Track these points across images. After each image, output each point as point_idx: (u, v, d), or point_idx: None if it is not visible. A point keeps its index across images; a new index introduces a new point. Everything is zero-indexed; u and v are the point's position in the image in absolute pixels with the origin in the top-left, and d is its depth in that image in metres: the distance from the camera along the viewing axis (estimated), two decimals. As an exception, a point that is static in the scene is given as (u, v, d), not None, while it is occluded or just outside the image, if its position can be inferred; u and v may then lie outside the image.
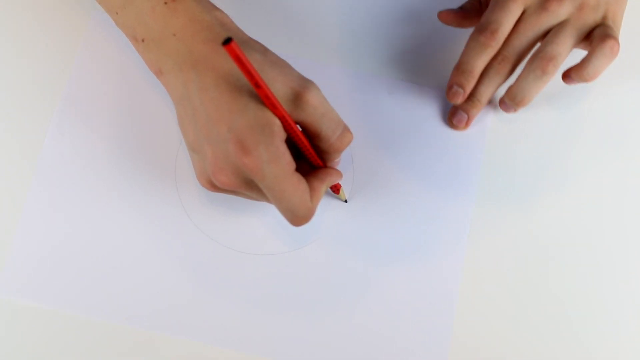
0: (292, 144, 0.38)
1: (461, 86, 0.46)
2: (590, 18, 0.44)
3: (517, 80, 0.46)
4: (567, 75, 0.46)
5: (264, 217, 0.47)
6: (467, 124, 0.48)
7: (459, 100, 0.47)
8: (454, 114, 0.48)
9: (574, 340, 0.46)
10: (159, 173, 0.47)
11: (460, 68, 0.46)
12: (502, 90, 0.48)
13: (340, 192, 0.46)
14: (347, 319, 0.46)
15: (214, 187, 0.39)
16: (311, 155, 0.40)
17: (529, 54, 0.45)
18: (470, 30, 0.46)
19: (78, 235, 0.46)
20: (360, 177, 0.48)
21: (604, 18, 0.44)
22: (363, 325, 0.46)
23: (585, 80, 0.44)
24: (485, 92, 0.47)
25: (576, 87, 0.49)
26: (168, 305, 0.45)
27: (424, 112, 0.49)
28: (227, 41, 0.31)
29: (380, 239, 0.47)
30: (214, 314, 0.45)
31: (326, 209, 0.47)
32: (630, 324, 0.47)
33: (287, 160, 0.36)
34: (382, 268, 0.46)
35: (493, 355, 0.46)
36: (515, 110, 0.48)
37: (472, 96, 0.47)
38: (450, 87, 0.46)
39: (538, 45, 0.45)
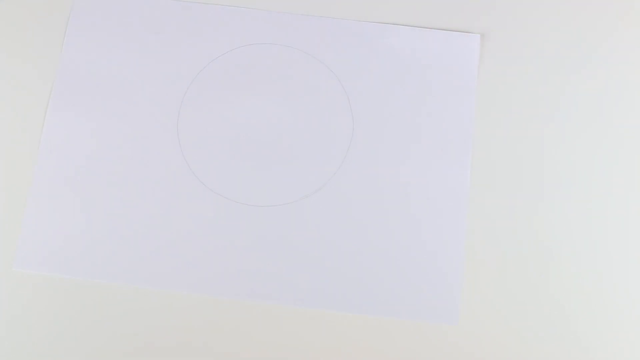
0: None
1: None
2: None
3: None
4: None
5: (267, 169, 0.47)
6: None
7: None
8: None
9: (574, 340, 0.45)
10: (160, 131, 0.48)
11: None
12: None
13: None
14: (351, 265, 0.46)
15: None
16: None
17: None
18: None
19: (83, 202, 0.47)
20: (361, 129, 0.48)
21: None
22: (367, 273, 0.46)
23: None
24: None
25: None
26: (179, 263, 0.46)
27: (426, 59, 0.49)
28: None
29: (383, 189, 0.47)
30: (221, 267, 0.46)
31: (328, 161, 0.47)
32: (630, 324, 0.45)
33: None
34: (384, 217, 0.47)
35: (493, 354, 0.45)
36: None
37: None
38: None
39: None
